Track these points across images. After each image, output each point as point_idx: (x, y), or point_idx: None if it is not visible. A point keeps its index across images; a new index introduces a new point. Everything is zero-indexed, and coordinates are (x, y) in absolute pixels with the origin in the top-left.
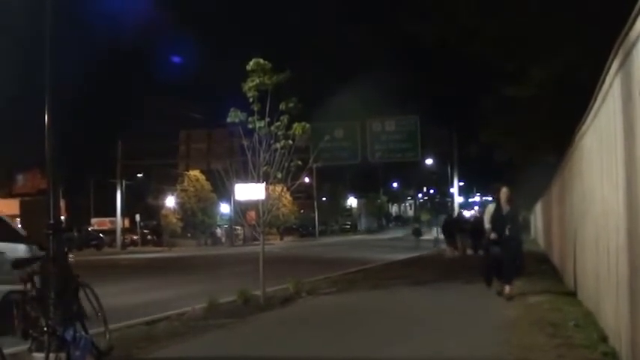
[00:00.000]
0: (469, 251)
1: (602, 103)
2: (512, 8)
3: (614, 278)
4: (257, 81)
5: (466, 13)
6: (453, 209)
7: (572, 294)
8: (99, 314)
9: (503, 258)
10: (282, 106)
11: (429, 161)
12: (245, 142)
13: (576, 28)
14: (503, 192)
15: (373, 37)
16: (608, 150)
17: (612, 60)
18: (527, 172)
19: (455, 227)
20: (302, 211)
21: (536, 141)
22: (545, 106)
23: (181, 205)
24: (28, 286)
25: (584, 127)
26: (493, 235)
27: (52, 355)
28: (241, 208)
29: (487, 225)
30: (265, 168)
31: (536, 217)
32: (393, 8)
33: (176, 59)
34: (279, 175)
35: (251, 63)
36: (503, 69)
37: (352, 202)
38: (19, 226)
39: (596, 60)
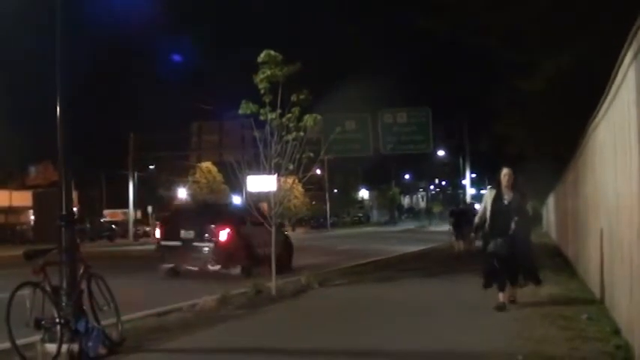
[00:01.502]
0: (477, 243)
1: (615, 95)
2: (523, 1)
3: (627, 271)
4: (268, 73)
5: (477, 8)
6: (465, 201)
7: (587, 288)
8: (111, 305)
9: (507, 259)
10: (293, 98)
11: (440, 153)
12: (256, 134)
13: (588, 20)
14: (505, 174)
15: (386, 30)
16: (622, 142)
17: (626, 51)
18: (539, 164)
19: (462, 219)
20: (314, 202)
21: (548, 133)
22: (556, 99)
23: (193, 196)
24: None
25: (596, 120)
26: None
27: (64, 346)
28: (253, 200)
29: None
30: (277, 160)
31: (549, 210)
32: (406, 3)
33: (188, 52)
34: (291, 167)
35: (262, 55)
36: (514, 62)
37: (364, 194)
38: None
39: (609, 52)
